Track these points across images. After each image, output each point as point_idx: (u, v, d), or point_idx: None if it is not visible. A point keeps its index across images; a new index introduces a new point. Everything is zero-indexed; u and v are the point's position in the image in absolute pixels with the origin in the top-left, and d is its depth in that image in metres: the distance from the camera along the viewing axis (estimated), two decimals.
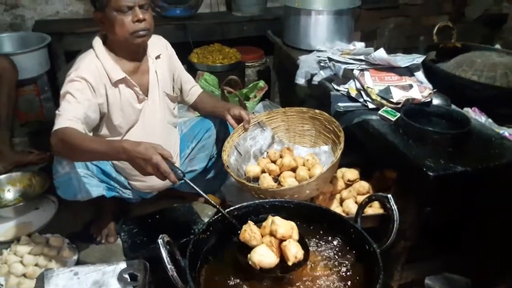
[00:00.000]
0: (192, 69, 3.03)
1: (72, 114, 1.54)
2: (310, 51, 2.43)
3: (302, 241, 1.24)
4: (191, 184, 1.34)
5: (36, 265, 1.84)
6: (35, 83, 2.87)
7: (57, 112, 1.56)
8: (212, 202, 1.34)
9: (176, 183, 1.36)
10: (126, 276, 1.31)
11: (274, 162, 1.79)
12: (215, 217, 1.32)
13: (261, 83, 2.93)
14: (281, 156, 1.80)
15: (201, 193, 1.32)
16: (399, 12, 3.96)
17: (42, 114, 2.97)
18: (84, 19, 3.26)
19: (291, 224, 1.25)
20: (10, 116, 2.48)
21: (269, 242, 1.20)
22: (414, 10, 3.97)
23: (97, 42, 1.73)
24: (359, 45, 2.34)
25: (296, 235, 1.24)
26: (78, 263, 1.90)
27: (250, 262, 1.16)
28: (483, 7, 3.95)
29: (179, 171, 1.34)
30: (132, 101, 1.77)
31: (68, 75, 1.63)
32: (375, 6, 3.79)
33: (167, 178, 1.33)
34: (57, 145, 1.49)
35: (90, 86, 1.63)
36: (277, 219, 1.24)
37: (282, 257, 1.19)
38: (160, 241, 1.10)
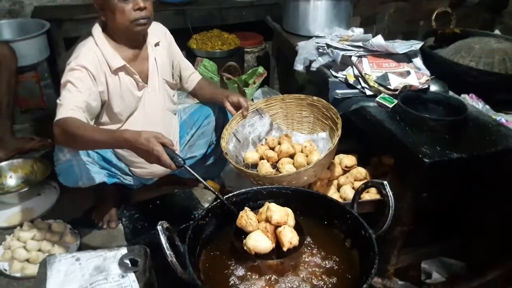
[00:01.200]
0: (191, 55, 3.03)
1: (74, 103, 1.55)
2: (309, 37, 2.42)
3: (298, 227, 1.26)
4: (192, 171, 1.36)
5: (39, 250, 1.88)
6: (35, 70, 2.88)
7: (58, 101, 1.57)
8: (211, 188, 1.36)
9: (175, 170, 1.39)
10: (127, 261, 1.33)
11: (272, 149, 1.81)
12: (214, 203, 1.35)
13: (260, 69, 2.93)
14: (279, 143, 1.82)
15: (201, 179, 1.34)
16: None
17: (43, 101, 2.98)
18: (82, 5, 3.24)
19: (286, 210, 1.28)
20: (10, 103, 2.49)
21: (264, 228, 1.22)
22: None
23: (97, 29, 1.73)
24: (358, 31, 2.34)
25: (291, 221, 1.26)
26: (80, 248, 1.93)
27: (245, 248, 1.19)
28: None
29: (180, 159, 1.36)
30: (132, 89, 1.78)
31: (68, 64, 1.64)
32: None
33: (167, 167, 1.36)
34: (59, 135, 1.50)
35: (90, 74, 1.63)
36: (273, 205, 1.26)
37: (278, 242, 1.21)
38: (159, 227, 1.12)
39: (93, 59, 1.66)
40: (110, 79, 1.72)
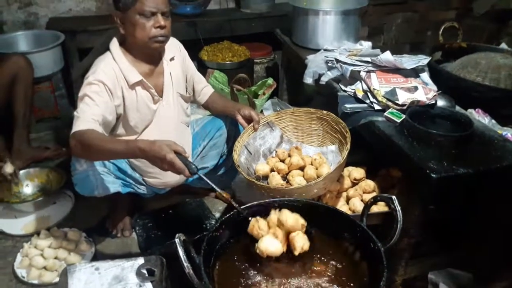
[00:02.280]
0: (202, 67, 3.09)
1: (91, 116, 1.60)
2: (318, 50, 2.48)
3: (308, 235, 1.32)
4: (205, 178, 1.41)
5: (56, 258, 1.93)
6: (50, 80, 2.95)
7: (75, 113, 1.62)
8: (224, 196, 1.41)
9: (190, 177, 1.43)
10: (144, 271, 1.39)
11: (282, 161, 1.86)
12: (228, 215, 1.39)
13: (270, 81, 2.98)
14: (289, 155, 1.86)
15: (214, 186, 1.40)
16: (406, 7, 3.96)
17: (57, 110, 3.06)
18: (96, 16, 3.33)
19: (298, 218, 1.34)
20: (27, 114, 2.55)
21: (274, 234, 1.29)
22: (422, 5, 3.97)
23: (114, 44, 1.78)
24: (366, 45, 2.39)
25: (302, 228, 1.32)
26: (95, 256, 1.98)
27: (257, 251, 1.26)
28: (491, 2, 3.94)
29: (193, 166, 1.40)
30: (148, 102, 1.84)
31: (86, 78, 1.69)
32: (383, 1, 3.80)
33: (181, 174, 1.40)
34: (76, 146, 1.54)
35: (108, 89, 1.68)
36: (286, 211, 1.33)
37: (288, 249, 1.27)
38: (177, 240, 1.17)
39: (111, 74, 1.71)
40: (127, 93, 1.77)
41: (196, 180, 2.10)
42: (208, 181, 1.41)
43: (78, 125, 1.56)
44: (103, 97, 1.67)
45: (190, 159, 2.04)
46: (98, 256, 1.98)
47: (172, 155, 1.38)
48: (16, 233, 2.13)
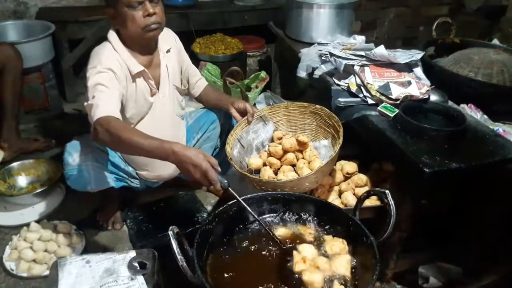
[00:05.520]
0: (194, 59, 3.06)
1: (110, 104, 1.54)
2: (312, 44, 2.47)
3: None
4: (235, 194, 1.36)
5: (45, 251, 1.90)
6: (40, 71, 2.91)
7: (91, 102, 1.54)
8: (236, 195, 1.37)
9: (220, 192, 1.39)
10: (136, 264, 1.38)
11: (274, 156, 1.85)
12: (221, 208, 1.38)
13: (263, 74, 2.97)
14: (284, 151, 1.85)
15: (240, 199, 1.36)
16: (399, 2, 3.97)
17: (47, 102, 3.02)
18: (87, 6, 3.28)
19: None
20: (16, 104, 2.52)
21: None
22: (415, 1, 3.98)
23: (113, 35, 1.75)
24: (360, 39, 2.39)
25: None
26: (86, 249, 1.97)
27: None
28: None
29: (225, 181, 1.37)
30: (145, 94, 1.82)
31: (93, 67, 1.63)
32: None
33: (212, 185, 1.37)
34: (103, 133, 1.46)
35: (117, 77, 1.65)
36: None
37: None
38: (170, 232, 1.16)
39: (116, 63, 1.68)
40: (129, 84, 1.74)
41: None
42: (237, 196, 1.36)
43: (101, 112, 1.49)
44: (115, 84, 1.63)
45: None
46: (88, 249, 1.96)
47: (207, 164, 1.35)
48: (6, 224, 2.10)
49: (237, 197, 1.36)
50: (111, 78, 1.62)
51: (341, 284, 1.18)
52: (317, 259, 1.24)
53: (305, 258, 1.23)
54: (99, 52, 1.70)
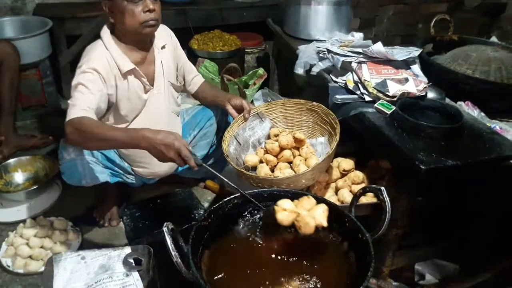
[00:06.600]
0: (192, 56, 3.06)
1: (86, 104, 1.56)
2: (310, 41, 2.47)
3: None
4: (210, 169, 1.41)
5: (42, 247, 1.91)
6: (37, 67, 2.90)
7: (69, 102, 1.58)
8: (232, 185, 1.39)
9: (195, 168, 1.41)
10: (131, 260, 1.37)
11: (271, 153, 1.84)
12: (216, 205, 1.38)
13: (261, 71, 2.97)
14: (281, 148, 1.84)
15: (221, 176, 1.41)
16: (398, 0, 3.97)
17: (44, 98, 3.01)
18: (84, 3, 3.26)
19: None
20: (13, 101, 2.51)
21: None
22: None
23: (105, 32, 1.75)
24: (358, 36, 2.38)
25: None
26: (82, 245, 1.97)
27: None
28: None
29: (198, 157, 1.41)
30: (139, 91, 1.81)
31: (79, 67, 1.66)
32: None
33: (186, 163, 1.40)
34: (72, 133, 1.50)
35: (102, 78, 1.66)
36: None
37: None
38: (165, 228, 1.16)
39: (104, 62, 1.68)
40: (119, 82, 1.74)
41: (186, 170, 2.08)
42: (214, 171, 1.41)
43: (74, 113, 1.53)
44: (98, 85, 1.64)
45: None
46: (85, 246, 1.96)
47: (179, 142, 1.38)
48: (2, 220, 2.10)
49: (215, 172, 1.40)
50: (94, 79, 1.63)
51: None
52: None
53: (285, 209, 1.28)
54: (89, 51, 1.71)
